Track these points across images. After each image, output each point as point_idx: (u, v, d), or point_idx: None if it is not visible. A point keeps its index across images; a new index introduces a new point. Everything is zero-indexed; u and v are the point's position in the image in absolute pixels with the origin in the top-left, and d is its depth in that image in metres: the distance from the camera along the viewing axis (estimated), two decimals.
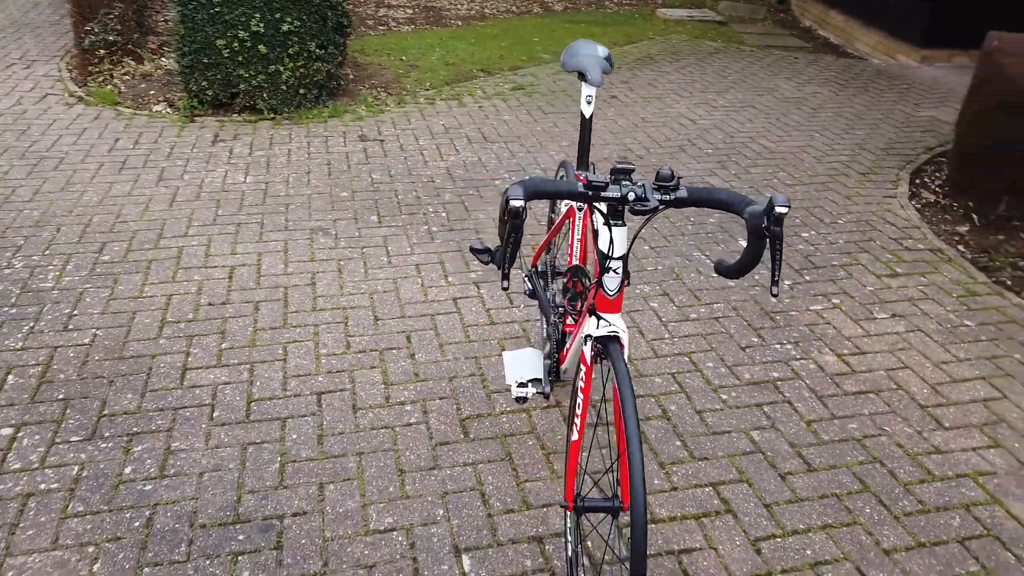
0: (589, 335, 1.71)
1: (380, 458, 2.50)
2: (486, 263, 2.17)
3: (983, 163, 4.27)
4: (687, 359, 3.02)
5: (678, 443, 2.59)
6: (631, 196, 1.58)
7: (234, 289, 3.41)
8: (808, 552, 2.19)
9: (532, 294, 2.82)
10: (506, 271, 1.57)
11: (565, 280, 2.34)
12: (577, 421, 1.78)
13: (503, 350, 3.04)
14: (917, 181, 4.78)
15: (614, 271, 1.69)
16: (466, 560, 2.15)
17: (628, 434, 1.53)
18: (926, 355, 3.08)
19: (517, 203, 1.44)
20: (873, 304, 3.43)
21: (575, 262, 2.33)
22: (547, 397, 2.22)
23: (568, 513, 2.03)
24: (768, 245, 1.49)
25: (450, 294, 3.43)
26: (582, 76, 2.26)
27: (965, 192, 4.44)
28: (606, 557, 2.16)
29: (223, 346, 3.02)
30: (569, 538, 2.07)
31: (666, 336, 3.15)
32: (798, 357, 3.04)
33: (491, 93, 6.28)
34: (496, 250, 1.91)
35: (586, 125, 2.29)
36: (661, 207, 1.55)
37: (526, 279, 2.85)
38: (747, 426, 2.68)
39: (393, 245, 3.83)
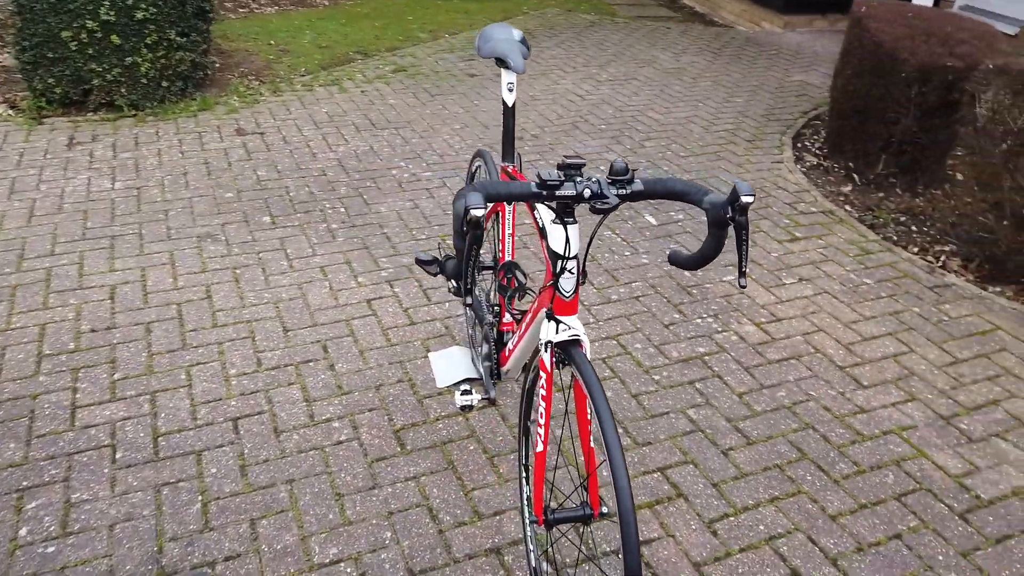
0: (548, 341, 1.62)
1: (313, 483, 2.32)
2: (434, 275, 2.02)
3: (858, 125, 4.47)
4: (615, 343, 2.99)
5: (620, 430, 2.55)
6: (587, 193, 1.48)
7: (119, 311, 3.08)
8: (761, 528, 2.21)
9: (456, 291, 2.70)
10: (468, 286, 1.44)
11: (499, 277, 2.23)
12: (540, 431, 1.68)
13: (428, 351, 2.91)
14: (799, 145, 4.97)
15: (569, 271, 1.60)
16: None
17: (607, 439, 1.45)
18: (835, 316, 3.19)
19: (478, 212, 1.32)
20: (780, 270, 3.52)
21: (507, 258, 2.23)
22: (494, 403, 2.13)
23: (529, 525, 1.95)
24: (734, 235, 1.44)
25: (362, 296, 3.24)
26: (501, 62, 2.14)
27: (844, 153, 4.64)
28: (568, 560, 2.10)
29: (115, 377, 2.72)
30: (531, 546, 1.99)
31: (591, 321, 3.11)
32: (720, 330, 3.08)
33: (372, 76, 6.03)
34: (445, 260, 1.76)
35: (509, 114, 2.18)
36: (619, 203, 1.47)
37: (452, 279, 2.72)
38: (683, 405, 2.68)
39: (292, 247, 3.59)
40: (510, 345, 2.08)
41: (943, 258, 3.72)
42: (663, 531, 2.19)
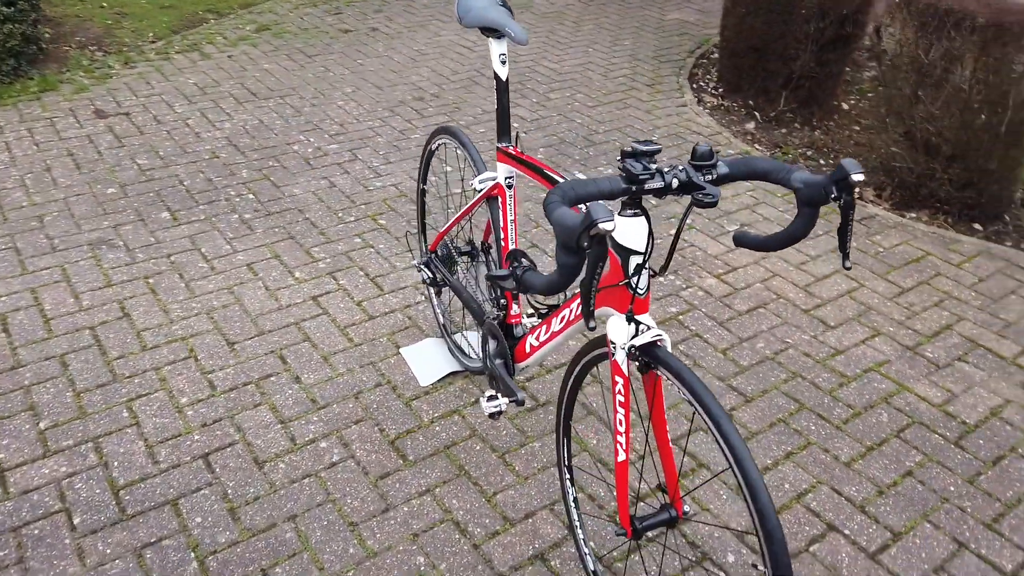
0: (631, 345, 1.49)
1: (319, 516, 2.09)
2: (514, 290, 1.66)
3: (756, 63, 4.55)
4: None
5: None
6: (675, 184, 1.35)
7: (19, 345, 2.63)
8: (787, 486, 2.22)
9: (433, 282, 2.50)
10: (591, 310, 1.27)
11: (508, 268, 2.06)
12: (622, 440, 1.56)
13: (399, 348, 2.69)
14: (695, 87, 5.01)
15: (646, 268, 1.46)
16: None
17: (731, 439, 1.34)
18: (785, 259, 3.26)
19: (608, 226, 1.14)
20: (719, 218, 3.54)
21: (511, 246, 2.05)
22: (521, 404, 1.98)
23: (617, 535, 1.82)
24: (840, 215, 1.35)
25: (305, 293, 2.95)
26: (491, 31, 1.92)
27: (742, 92, 4.72)
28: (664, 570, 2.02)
29: (42, 426, 2.33)
30: (586, 550, 1.89)
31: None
32: (684, 287, 3.06)
33: (234, 38, 5.47)
34: (523, 272, 1.46)
35: (504, 89, 1.97)
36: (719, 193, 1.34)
37: (424, 267, 2.51)
38: None
39: (206, 246, 3.20)
40: (533, 341, 1.92)
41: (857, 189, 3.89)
42: (697, 506, 2.16)
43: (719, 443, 1.36)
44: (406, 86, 4.81)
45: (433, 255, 2.48)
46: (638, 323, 1.50)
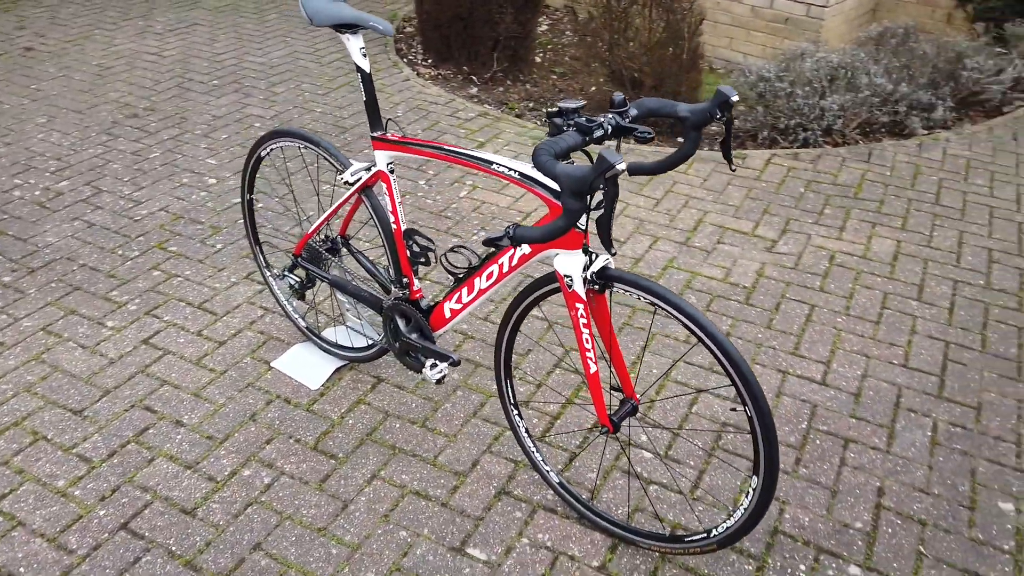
0: (590, 273, 1.75)
1: (284, 535, 2.06)
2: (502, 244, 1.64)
3: (464, 30, 4.93)
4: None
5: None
6: (609, 129, 1.63)
7: None
8: (655, 371, 2.68)
9: (301, 287, 2.51)
10: (610, 239, 1.51)
11: (410, 248, 2.17)
12: (590, 355, 1.83)
13: (270, 364, 2.64)
14: (406, 60, 5.26)
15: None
16: (475, 552, 2.04)
17: (693, 315, 1.65)
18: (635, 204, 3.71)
19: (622, 166, 1.39)
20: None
21: (405, 227, 2.17)
22: (457, 364, 2.13)
23: (600, 434, 1.99)
24: (724, 130, 1.72)
25: (132, 339, 2.72)
26: (347, 28, 2.00)
27: (455, 60, 5.09)
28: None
29: None
30: (547, 468, 2.15)
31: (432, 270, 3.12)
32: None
33: None
34: (515, 230, 1.52)
35: (368, 80, 2.06)
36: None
37: (290, 273, 2.50)
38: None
39: None
40: (453, 305, 2.09)
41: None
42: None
43: (683, 321, 1.69)
44: (109, 105, 4.39)
45: (300, 259, 2.48)
46: (590, 254, 1.77)
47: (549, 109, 1.71)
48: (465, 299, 2.07)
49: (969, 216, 3.55)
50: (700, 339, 1.70)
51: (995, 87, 4.53)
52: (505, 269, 1.94)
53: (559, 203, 1.74)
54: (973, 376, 2.63)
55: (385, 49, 5.35)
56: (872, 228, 3.45)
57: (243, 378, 2.57)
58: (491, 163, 1.86)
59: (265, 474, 2.24)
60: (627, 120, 1.68)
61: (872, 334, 2.82)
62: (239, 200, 3.11)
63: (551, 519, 2.13)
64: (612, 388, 1.97)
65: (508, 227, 1.68)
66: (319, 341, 2.65)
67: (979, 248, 3.32)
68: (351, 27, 2.00)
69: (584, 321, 1.82)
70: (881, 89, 4.20)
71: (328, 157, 2.27)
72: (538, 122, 4.48)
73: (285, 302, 2.72)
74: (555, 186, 1.74)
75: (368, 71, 2.06)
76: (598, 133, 1.62)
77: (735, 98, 1.67)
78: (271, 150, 2.42)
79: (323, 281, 2.47)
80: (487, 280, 1.99)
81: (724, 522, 1.84)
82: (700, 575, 1.98)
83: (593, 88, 4.85)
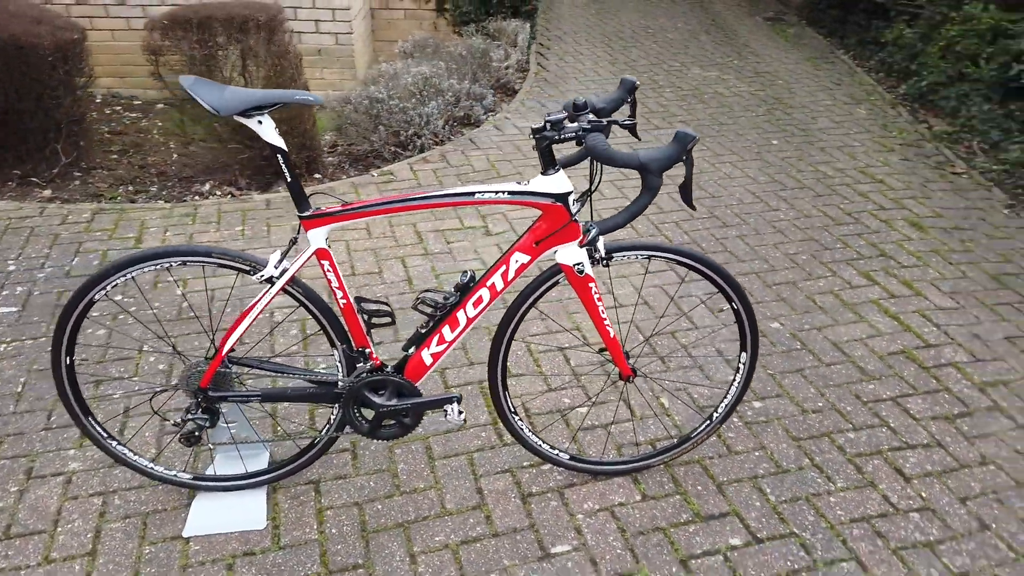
0: (601, 256, 1.99)
1: None
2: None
3: (11, 129, 4.09)
4: None
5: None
6: (589, 126, 1.90)
7: None
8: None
9: (214, 417, 2.13)
10: (691, 198, 1.78)
11: (362, 316, 2.04)
12: (607, 322, 2.08)
13: (182, 537, 2.15)
14: None
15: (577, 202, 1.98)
16: (559, 548, 2.15)
17: (685, 251, 2.06)
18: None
19: (697, 137, 1.71)
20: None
21: (350, 299, 2.03)
22: (460, 400, 2.09)
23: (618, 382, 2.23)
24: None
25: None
26: (260, 109, 1.79)
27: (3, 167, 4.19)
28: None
29: None
30: (556, 452, 2.34)
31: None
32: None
33: None
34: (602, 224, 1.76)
35: (288, 158, 1.85)
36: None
37: (201, 408, 2.09)
38: None
39: None
40: (434, 349, 2.10)
41: (213, 187, 4.25)
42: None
43: (681, 261, 2.09)
44: None
45: (210, 392, 2.06)
46: (593, 242, 2.03)
47: (535, 126, 1.88)
48: (449, 336, 2.10)
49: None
50: (697, 269, 2.12)
51: (508, 71, 5.72)
52: (499, 287, 2.06)
53: (557, 204, 1.96)
54: None
55: None
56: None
57: (168, 568, 2.06)
58: (472, 194, 1.95)
59: None
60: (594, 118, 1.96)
61: None
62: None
63: (579, 490, 2.34)
64: (599, 350, 2.27)
65: (589, 227, 1.88)
66: (221, 483, 2.26)
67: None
68: (263, 108, 1.81)
69: (598, 296, 2.09)
70: (458, 90, 4.97)
71: (228, 262, 1.98)
72: (163, 200, 4.08)
73: (148, 464, 2.22)
74: (553, 190, 1.94)
75: (287, 149, 1.88)
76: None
77: (637, 82, 2.09)
78: (113, 286, 1.95)
79: (248, 403, 2.12)
80: (475, 307, 2.07)
81: (722, 401, 2.35)
82: (703, 464, 2.46)
83: (192, 148, 4.57)
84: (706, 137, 5.00)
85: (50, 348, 2.04)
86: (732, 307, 2.19)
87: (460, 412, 2.16)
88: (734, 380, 2.32)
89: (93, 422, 2.14)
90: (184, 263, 1.97)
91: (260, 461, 2.32)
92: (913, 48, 6.05)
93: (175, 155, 4.87)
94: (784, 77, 6.30)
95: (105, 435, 2.16)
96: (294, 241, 1.99)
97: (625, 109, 2.02)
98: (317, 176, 4.51)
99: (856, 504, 2.32)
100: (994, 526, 2.26)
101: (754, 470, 2.43)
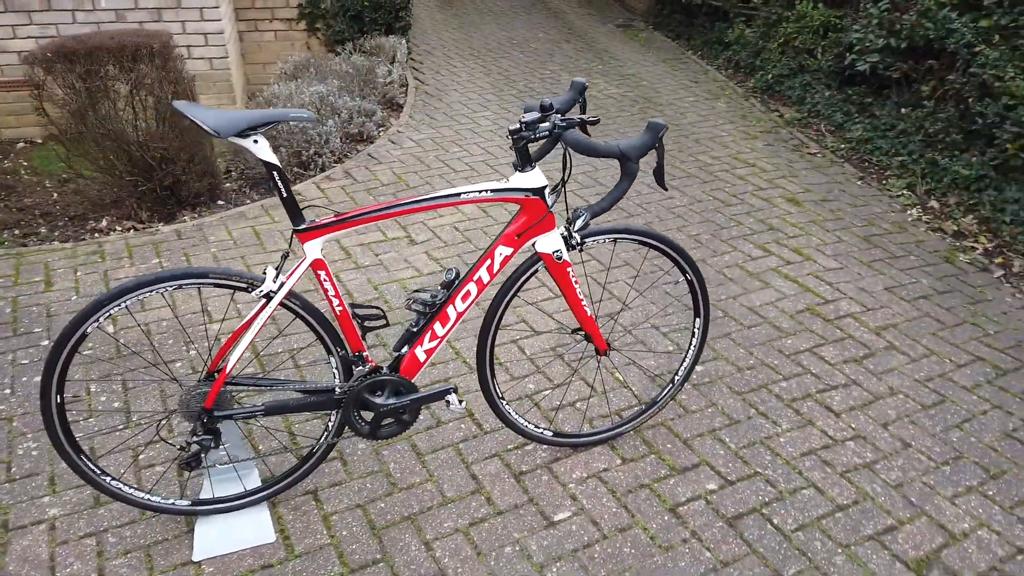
0: (579, 242, 2.18)
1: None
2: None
3: None
4: None
5: None
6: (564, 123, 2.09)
7: None
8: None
9: (216, 439, 2.14)
10: (664, 180, 1.99)
11: (362, 324, 2.11)
12: (586, 303, 2.27)
13: (193, 562, 2.13)
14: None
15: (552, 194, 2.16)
16: (560, 515, 2.31)
17: (654, 234, 2.28)
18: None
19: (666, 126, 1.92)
20: None
21: (345, 307, 2.11)
22: (456, 391, 2.20)
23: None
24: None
25: None
26: (256, 128, 1.83)
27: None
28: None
29: None
30: (539, 430, 2.51)
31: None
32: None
33: None
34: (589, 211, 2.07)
35: (283, 174, 1.90)
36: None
37: (205, 430, 2.09)
38: None
39: None
40: (428, 346, 2.21)
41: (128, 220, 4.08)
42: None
43: (642, 240, 2.32)
44: None
45: (214, 413, 2.06)
46: (568, 228, 2.22)
47: (512, 127, 2.04)
48: (441, 332, 2.22)
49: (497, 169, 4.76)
50: (658, 247, 2.36)
51: (392, 87, 5.83)
52: (486, 280, 2.20)
53: (535, 198, 2.14)
54: None
55: None
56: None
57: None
58: (459, 195, 2.09)
59: None
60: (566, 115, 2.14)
61: None
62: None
63: (565, 463, 2.52)
64: (573, 331, 2.47)
65: (579, 213, 2.06)
66: (222, 504, 2.25)
67: None
68: (258, 128, 1.86)
69: (575, 279, 2.28)
70: (352, 107, 5.02)
71: (225, 281, 2.00)
72: (59, 241, 3.89)
73: (145, 496, 2.18)
74: (531, 185, 2.12)
75: (281, 164, 1.94)
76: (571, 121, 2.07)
77: (587, 83, 2.30)
78: (105, 318, 1.93)
79: (251, 419, 2.14)
80: (464, 302, 2.20)
81: (681, 365, 2.61)
82: (667, 425, 2.71)
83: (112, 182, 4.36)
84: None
85: (39, 387, 1.98)
86: (687, 279, 2.46)
87: (461, 401, 2.28)
88: (691, 344, 2.58)
89: (85, 459, 2.08)
90: (180, 286, 1.98)
91: (253, 478, 2.33)
92: (755, 46, 6.71)
93: (55, 194, 4.62)
94: (647, 78, 6.78)
95: (98, 472, 2.11)
96: (286, 255, 2.05)
97: (577, 109, 2.24)
98: (221, 203, 4.43)
99: (802, 441, 2.64)
100: (913, 443, 2.65)
101: (711, 424, 2.71)
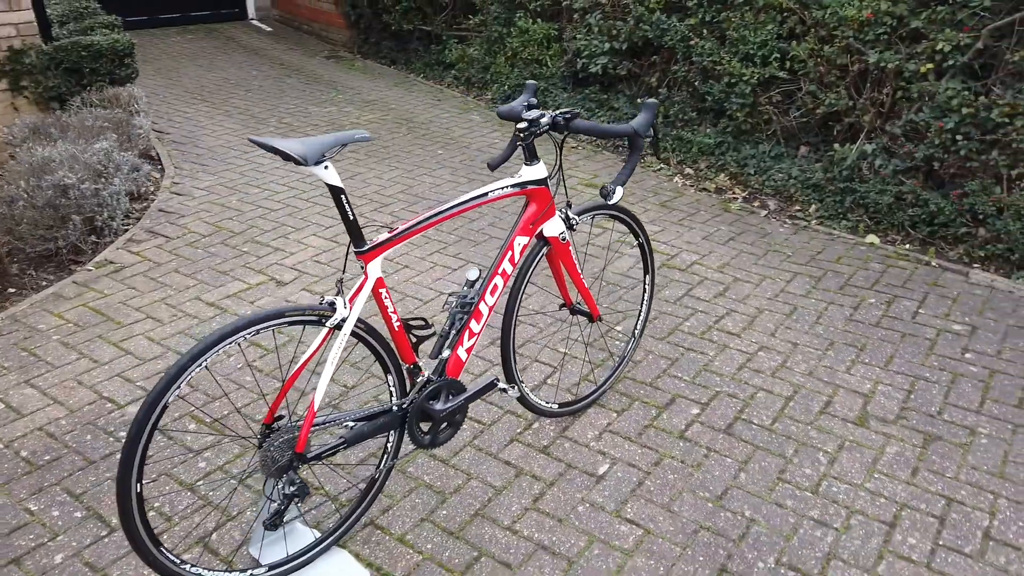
0: (564, 228, 2.39)
1: None
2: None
3: None
4: None
5: None
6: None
7: None
8: None
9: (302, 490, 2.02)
10: (663, 154, 2.25)
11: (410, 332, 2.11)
12: (582, 276, 2.49)
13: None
14: None
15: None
16: (601, 468, 2.53)
17: (626, 211, 2.58)
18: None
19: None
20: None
21: (401, 320, 2.09)
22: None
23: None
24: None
25: None
26: (327, 153, 1.78)
27: None
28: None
29: None
30: (547, 405, 2.69)
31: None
32: None
33: None
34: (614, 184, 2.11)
35: (347, 197, 1.84)
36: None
37: (295, 486, 1.95)
38: None
39: None
40: (467, 344, 2.29)
41: None
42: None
43: (611, 212, 2.64)
44: None
45: (306, 456, 1.92)
46: (568, 209, 2.45)
47: (520, 125, 2.19)
48: (476, 328, 2.32)
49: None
50: (620, 217, 2.68)
51: (146, 139, 5.35)
52: (509, 271, 2.36)
53: (543, 188, 2.35)
54: None
55: None
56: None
57: None
58: (486, 194, 2.22)
59: None
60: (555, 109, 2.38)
61: None
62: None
63: (575, 428, 2.73)
64: (561, 306, 2.70)
65: (611, 188, 2.30)
66: (300, 559, 2.10)
67: None
68: (326, 154, 1.82)
69: (574, 255, 2.52)
70: (133, 163, 4.55)
71: (299, 317, 1.90)
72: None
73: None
74: (540, 176, 2.33)
75: (343, 186, 1.90)
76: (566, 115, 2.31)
77: (534, 83, 2.55)
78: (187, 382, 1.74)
79: (336, 453, 2.02)
80: (492, 295, 2.34)
81: (638, 320, 2.97)
82: (629, 377, 3.05)
83: None
84: (383, 159, 5.45)
85: (118, 473, 1.69)
86: (638, 242, 2.83)
87: (512, 387, 2.40)
88: (643, 299, 2.97)
89: (165, 551, 1.83)
90: (257, 332, 1.85)
91: (305, 530, 2.20)
92: (482, 62, 7.33)
93: None
94: (392, 102, 7.03)
95: (179, 563, 1.86)
96: (340, 282, 2.02)
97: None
98: (12, 290, 3.78)
99: (730, 360, 3.17)
100: (799, 342, 3.33)
101: (660, 367, 3.12)
